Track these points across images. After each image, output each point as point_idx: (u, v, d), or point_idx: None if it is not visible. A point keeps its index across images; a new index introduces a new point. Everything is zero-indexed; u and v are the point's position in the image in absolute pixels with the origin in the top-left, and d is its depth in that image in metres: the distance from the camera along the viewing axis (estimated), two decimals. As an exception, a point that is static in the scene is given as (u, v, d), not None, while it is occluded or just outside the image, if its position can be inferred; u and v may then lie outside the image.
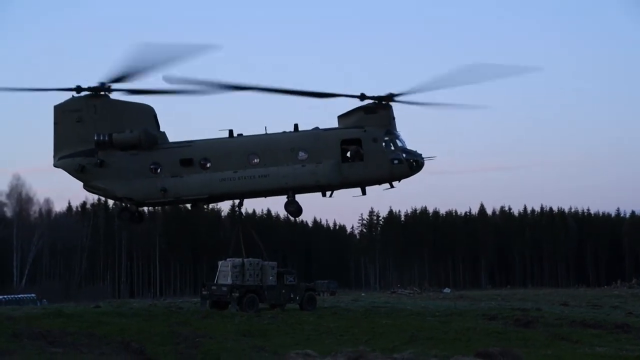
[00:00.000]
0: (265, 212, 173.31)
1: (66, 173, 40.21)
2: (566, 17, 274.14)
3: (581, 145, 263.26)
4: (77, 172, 39.45)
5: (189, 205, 42.40)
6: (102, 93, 39.24)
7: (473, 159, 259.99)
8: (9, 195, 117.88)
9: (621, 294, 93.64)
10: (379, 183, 40.70)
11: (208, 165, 39.89)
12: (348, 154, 40.27)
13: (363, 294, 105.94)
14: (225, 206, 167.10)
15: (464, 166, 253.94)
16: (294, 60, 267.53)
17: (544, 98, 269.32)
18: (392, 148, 39.99)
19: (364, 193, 41.21)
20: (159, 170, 39.79)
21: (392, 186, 40.79)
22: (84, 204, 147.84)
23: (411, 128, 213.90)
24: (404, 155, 39.98)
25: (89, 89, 39.07)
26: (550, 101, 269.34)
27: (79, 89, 38.95)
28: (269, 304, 46.26)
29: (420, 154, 40.62)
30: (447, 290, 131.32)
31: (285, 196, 40.45)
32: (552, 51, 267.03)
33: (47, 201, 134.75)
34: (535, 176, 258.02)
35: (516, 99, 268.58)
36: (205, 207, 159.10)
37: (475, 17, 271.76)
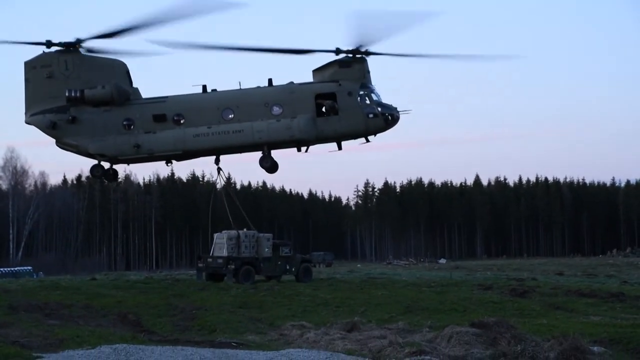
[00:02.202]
0: (260, 184, 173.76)
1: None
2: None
3: (576, 114, 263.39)
4: (48, 129, 38.95)
5: (163, 163, 41.63)
6: (73, 48, 38.71)
7: (468, 130, 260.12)
8: (3, 168, 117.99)
9: (616, 262, 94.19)
10: (355, 137, 40.36)
11: (182, 121, 39.40)
12: (323, 109, 39.81)
13: (359, 265, 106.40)
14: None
15: (459, 137, 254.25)
16: (268, 18, 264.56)
17: (538, 67, 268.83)
18: (368, 102, 39.59)
19: (339, 148, 40.92)
20: (132, 127, 39.23)
21: (367, 140, 40.53)
22: (79, 177, 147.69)
23: (405, 98, 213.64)
24: (379, 109, 39.54)
25: (59, 44, 38.29)
26: (544, 70, 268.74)
27: (49, 43, 38.24)
28: (264, 276, 46.35)
29: (396, 108, 40.16)
30: (442, 260, 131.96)
31: (261, 152, 40.16)
32: (547, 19, 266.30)
33: (42, 174, 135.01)
34: (530, 146, 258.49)
35: (510, 67, 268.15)
36: (200, 180, 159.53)
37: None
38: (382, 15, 37.24)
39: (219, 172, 43.25)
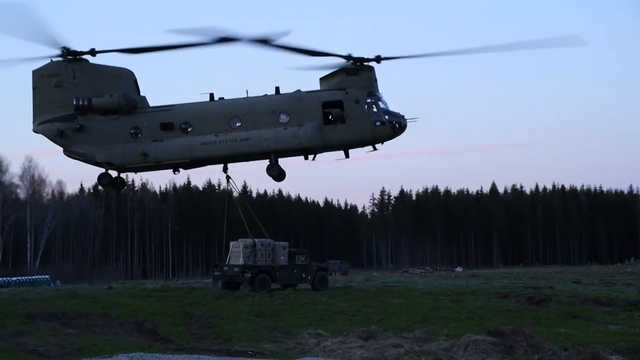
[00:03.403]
0: (276, 192, 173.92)
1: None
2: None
3: (594, 121, 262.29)
4: (56, 138, 39.15)
5: (171, 171, 41.61)
6: (79, 57, 38.82)
7: (484, 137, 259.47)
8: (21, 177, 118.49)
9: (634, 271, 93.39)
10: (362, 145, 40.31)
11: (189, 129, 39.43)
12: (330, 117, 39.70)
13: (375, 274, 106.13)
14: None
15: (476, 144, 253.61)
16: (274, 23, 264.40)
17: (556, 75, 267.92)
18: (375, 110, 39.51)
19: (347, 156, 40.90)
20: (139, 135, 39.34)
21: (374, 148, 40.47)
22: (96, 186, 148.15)
23: (418, 106, 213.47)
24: (387, 117, 39.44)
25: (68, 52, 38.42)
26: (563, 78, 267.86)
27: (64, 52, 38.15)
28: (280, 284, 46.33)
29: (403, 116, 40.05)
30: (459, 269, 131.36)
31: (267, 160, 40.17)
32: (562, 23, 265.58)
33: (60, 183, 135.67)
34: (547, 154, 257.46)
35: (528, 75, 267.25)
36: (216, 188, 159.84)
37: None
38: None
39: (228, 181, 43.40)
